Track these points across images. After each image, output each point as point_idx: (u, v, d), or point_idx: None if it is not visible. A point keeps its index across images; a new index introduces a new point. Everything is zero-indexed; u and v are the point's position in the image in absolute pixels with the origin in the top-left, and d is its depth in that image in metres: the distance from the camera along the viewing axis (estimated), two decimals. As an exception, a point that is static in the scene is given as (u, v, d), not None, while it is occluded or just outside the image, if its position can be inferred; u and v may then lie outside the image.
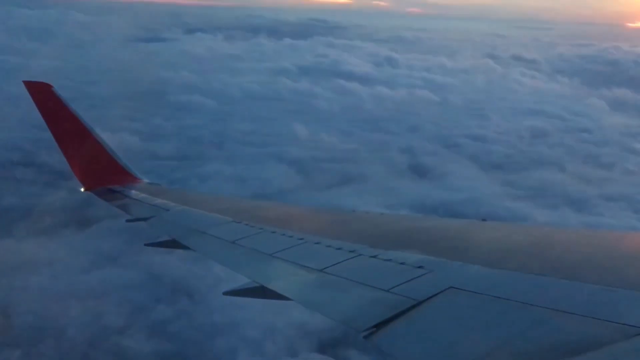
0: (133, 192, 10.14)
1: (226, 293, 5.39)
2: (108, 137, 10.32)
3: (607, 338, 2.78)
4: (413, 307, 3.69)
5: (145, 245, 7.49)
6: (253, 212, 7.88)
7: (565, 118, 56.18)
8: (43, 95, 9.91)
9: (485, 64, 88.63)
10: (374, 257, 4.90)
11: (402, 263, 4.53)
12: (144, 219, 8.36)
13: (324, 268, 4.89)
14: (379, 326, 3.59)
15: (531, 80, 76.99)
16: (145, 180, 10.78)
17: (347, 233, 5.96)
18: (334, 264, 4.92)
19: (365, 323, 3.66)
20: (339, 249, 5.26)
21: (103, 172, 10.30)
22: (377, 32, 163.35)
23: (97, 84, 57.50)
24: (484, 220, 6.17)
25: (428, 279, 4.11)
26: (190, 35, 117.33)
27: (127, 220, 8.71)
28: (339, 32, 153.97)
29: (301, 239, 5.86)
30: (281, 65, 75.71)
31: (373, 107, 57.21)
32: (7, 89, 43.05)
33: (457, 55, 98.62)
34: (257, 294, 5.07)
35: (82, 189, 10.22)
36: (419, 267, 4.35)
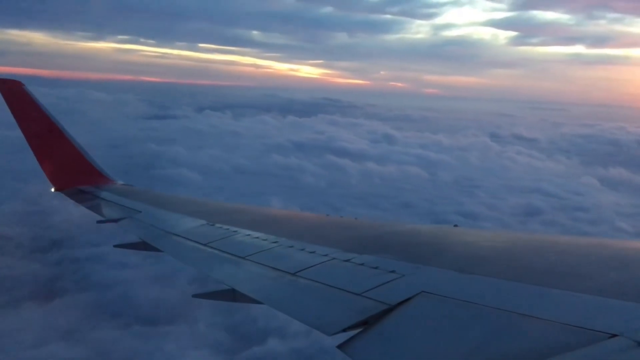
0: (105, 192, 10.02)
1: (196, 296, 5.31)
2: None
3: (575, 343, 2.81)
4: (385, 311, 3.70)
5: (115, 247, 7.33)
6: (228, 215, 7.78)
7: (557, 195, 55.85)
8: (14, 93, 9.77)
9: (482, 142, 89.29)
10: (347, 261, 4.88)
11: (375, 267, 4.53)
12: (115, 220, 8.23)
13: (297, 271, 4.86)
14: (349, 330, 3.59)
15: (527, 159, 77.12)
16: (118, 182, 10.65)
17: (321, 237, 5.92)
18: (307, 268, 4.89)
19: (336, 327, 3.65)
20: (313, 252, 5.24)
21: (74, 172, 10.15)
22: (387, 111, 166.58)
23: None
24: (455, 226, 6.19)
25: (400, 283, 4.10)
26: (199, 113, 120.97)
27: (98, 222, 8.55)
28: (350, 110, 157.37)
29: (275, 242, 5.83)
30: (277, 142, 77.20)
31: (360, 182, 57.55)
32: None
33: (458, 133, 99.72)
34: (227, 297, 4.99)
35: (53, 189, 10.03)
36: (392, 271, 4.36)
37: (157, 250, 6.69)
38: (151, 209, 8.59)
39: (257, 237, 6.09)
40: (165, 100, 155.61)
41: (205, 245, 6.23)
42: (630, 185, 62.63)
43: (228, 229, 6.65)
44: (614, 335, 2.79)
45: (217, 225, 6.90)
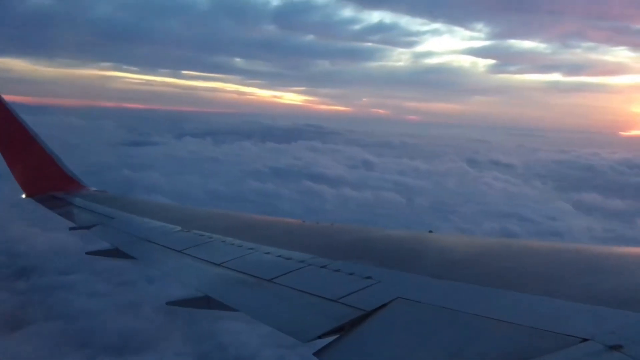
0: (77, 199, 9.86)
1: (170, 303, 5.21)
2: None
3: (547, 348, 2.84)
4: (361, 317, 3.68)
5: (87, 254, 7.14)
6: (203, 221, 7.64)
7: (532, 220, 56.38)
8: None
9: (459, 168, 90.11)
10: (324, 267, 4.85)
11: (351, 273, 4.51)
12: (87, 227, 8.07)
13: (273, 278, 4.80)
14: (325, 336, 3.57)
15: (503, 184, 77.88)
16: (91, 188, 10.43)
17: (297, 243, 5.86)
18: (283, 274, 4.84)
19: (311, 334, 3.63)
20: (289, 258, 5.20)
21: (46, 178, 9.94)
22: (368, 137, 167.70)
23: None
24: (430, 231, 6.23)
25: (376, 289, 4.10)
26: (178, 140, 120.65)
27: (70, 229, 8.36)
28: (331, 137, 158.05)
29: (251, 248, 5.77)
30: (255, 168, 77.17)
31: (336, 208, 57.58)
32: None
33: (436, 159, 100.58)
34: (202, 305, 4.92)
35: (24, 196, 9.81)
36: (368, 277, 4.34)
37: (131, 258, 6.58)
38: (125, 215, 8.42)
39: (233, 244, 6.02)
40: (146, 127, 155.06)
41: (180, 252, 6.15)
42: (602, 210, 63.39)
43: (204, 235, 6.57)
44: (585, 340, 2.82)
45: (193, 231, 6.81)
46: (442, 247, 5.53)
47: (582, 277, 3.94)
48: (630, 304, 3.20)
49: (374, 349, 3.39)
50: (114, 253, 6.87)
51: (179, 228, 7.10)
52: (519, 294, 3.59)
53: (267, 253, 5.53)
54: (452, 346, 3.16)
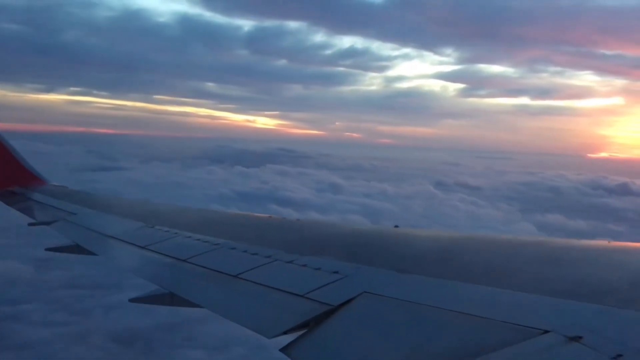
0: (37, 194, 9.52)
1: (133, 300, 5.02)
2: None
3: (510, 339, 2.85)
4: (327, 312, 3.66)
5: (46, 250, 6.92)
6: (167, 217, 7.45)
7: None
8: None
9: (426, 191, 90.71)
10: (290, 262, 4.82)
11: (317, 268, 4.49)
12: (47, 223, 7.80)
13: (239, 274, 4.73)
14: (292, 332, 3.55)
15: (469, 206, 78.51)
16: (52, 182, 10.21)
17: (264, 238, 5.83)
18: (249, 270, 4.77)
19: (277, 329, 3.60)
20: (255, 254, 5.12)
21: (4, 173, 9.67)
22: (339, 161, 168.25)
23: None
24: (396, 226, 6.18)
25: (343, 284, 4.10)
26: (146, 164, 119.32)
27: (30, 224, 8.09)
28: (302, 160, 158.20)
29: (217, 244, 5.65)
30: (221, 192, 76.56)
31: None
32: None
33: (404, 182, 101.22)
34: (165, 301, 4.79)
35: None
36: (334, 272, 4.32)
37: (92, 254, 6.40)
38: (86, 211, 8.19)
39: (199, 239, 5.89)
40: (114, 152, 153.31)
41: (143, 248, 6.00)
42: (565, 230, 64.18)
43: (168, 231, 6.41)
44: (547, 331, 2.88)
45: (157, 227, 6.63)
46: (407, 242, 5.51)
47: (543, 270, 4.02)
48: (590, 295, 3.28)
49: (341, 344, 3.39)
50: (75, 249, 6.70)
51: (142, 224, 6.93)
52: (482, 287, 3.64)
53: (233, 249, 5.44)
54: (417, 339, 3.19)
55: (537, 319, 3.02)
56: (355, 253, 4.90)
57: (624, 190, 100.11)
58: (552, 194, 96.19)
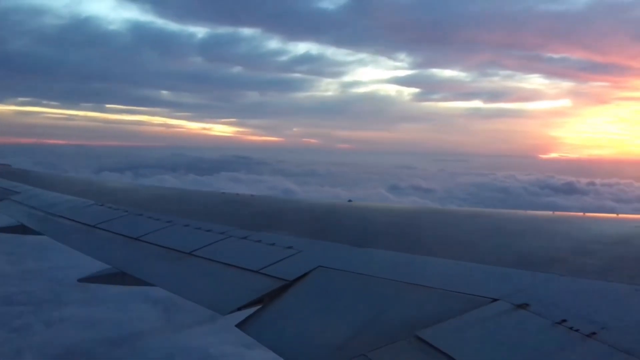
0: None
1: (82, 280, 4.98)
2: None
3: (461, 308, 2.94)
4: (283, 287, 3.67)
5: None
6: (118, 195, 7.28)
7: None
8: None
9: (379, 194, 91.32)
10: (244, 238, 4.74)
11: (272, 244, 4.48)
12: None
13: (193, 251, 4.64)
14: (247, 307, 3.52)
15: (421, 208, 79.22)
16: None
17: (217, 215, 5.75)
18: (203, 246, 4.72)
19: (231, 306, 3.56)
20: (209, 230, 5.03)
21: None
22: (296, 167, 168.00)
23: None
24: (350, 201, 6.19)
25: (297, 259, 4.12)
26: (96, 175, 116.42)
27: None
28: (258, 167, 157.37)
29: (169, 221, 5.53)
30: (170, 200, 75.19)
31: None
32: None
33: (358, 186, 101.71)
34: (116, 281, 4.68)
35: None
36: (289, 247, 4.33)
37: (38, 234, 6.22)
38: (32, 190, 7.92)
39: (150, 217, 5.79)
40: (64, 163, 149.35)
41: (93, 227, 5.85)
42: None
43: (119, 209, 6.26)
44: (495, 300, 2.98)
45: (107, 205, 6.47)
46: (360, 216, 5.59)
47: (491, 240, 4.16)
48: (536, 264, 3.40)
49: (296, 318, 3.40)
50: (20, 229, 6.45)
51: (91, 202, 6.74)
52: (434, 259, 3.72)
53: (186, 225, 5.34)
54: (371, 311, 3.23)
55: (487, 288, 3.13)
56: (310, 228, 4.90)
57: (569, 189, 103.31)
58: (502, 194, 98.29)
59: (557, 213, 5.17)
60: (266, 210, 6.14)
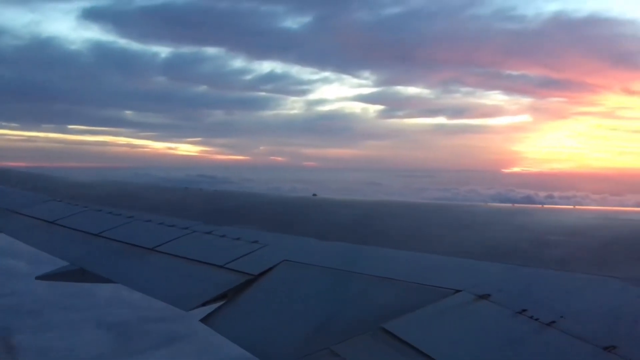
0: None
1: (40, 277, 4.76)
2: None
3: (425, 299, 3.00)
4: (248, 282, 3.70)
5: None
6: (77, 190, 7.14)
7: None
8: None
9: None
10: (209, 233, 4.74)
11: (237, 238, 4.48)
12: None
13: (156, 246, 4.61)
14: (211, 303, 3.52)
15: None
16: None
17: (180, 210, 5.60)
18: (166, 242, 4.66)
19: (194, 302, 3.56)
20: (172, 226, 4.93)
21: None
22: (260, 185, 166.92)
23: None
24: (314, 195, 6.18)
25: (263, 253, 4.15)
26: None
27: None
28: (222, 186, 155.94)
29: (130, 216, 5.37)
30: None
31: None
32: None
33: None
34: (75, 278, 4.63)
35: None
36: (254, 241, 4.34)
37: None
38: None
39: (111, 213, 5.67)
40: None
41: (51, 223, 5.71)
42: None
43: (78, 204, 6.18)
44: (458, 291, 3.05)
45: (66, 201, 6.40)
46: (325, 210, 5.61)
47: (454, 232, 4.29)
48: (496, 256, 3.49)
49: (261, 312, 3.41)
50: None
51: (49, 197, 6.64)
52: (397, 251, 3.81)
53: (148, 221, 5.22)
54: (337, 304, 3.28)
55: (450, 280, 3.19)
56: (275, 222, 4.92)
57: (527, 201, 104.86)
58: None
59: (517, 205, 5.24)
60: (231, 205, 6.10)
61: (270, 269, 3.84)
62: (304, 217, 5.24)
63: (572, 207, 5.29)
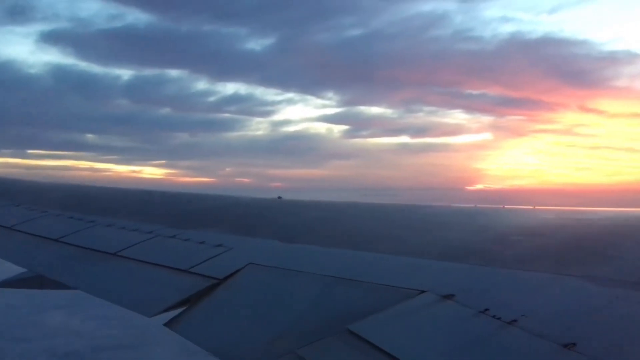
0: None
1: None
2: None
3: (391, 301, 3.03)
4: (213, 286, 3.65)
5: None
6: (35, 194, 6.83)
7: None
8: None
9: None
10: (172, 237, 4.66)
11: (201, 242, 4.41)
12: None
13: (118, 251, 4.52)
14: (176, 308, 3.45)
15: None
16: None
17: (144, 214, 5.62)
18: (128, 246, 4.58)
19: (158, 307, 3.48)
20: (135, 230, 4.90)
21: None
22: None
23: None
24: (279, 197, 6.02)
25: (228, 256, 4.14)
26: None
27: None
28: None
29: (92, 221, 5.35)
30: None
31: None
32: None
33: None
34: (34, 284, 4.53)
35: None
36: (218, 245, 4.30)
37: None
38: None
39: (72, 217, 5.49)
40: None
41: (9, 228, 5.48)
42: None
43: (36, 209, 5.93)
44: (423, 291, 3.08)
45: (23, 206, 6.15)
46: (291, 212, 5.48)
47: (419, 234, 4.28)
48: (461, 256, 3.57)
49: (227, 315, 3.39)
50: None
51: (6, 202, 6.39)
52: (363, 253, 3.87)
53: (110, 225, 5.09)
54: (303, 307, 3.27)
55: (415, 281, 3.22)
56: (240, 225, 4.87)
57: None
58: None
59: (480, 206, 5.30)
60: (195, 208, 6.02)
61: (235, 272, 3.79)
62: (270, 220, 5.16)
63: (532, 207, 5.39)
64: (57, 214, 5.82)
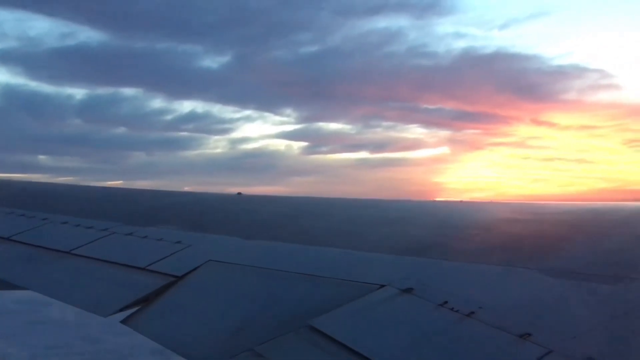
0: None
1: None
2: None
3: (351, 295, 3.04)
4: (172, 283, 3.57)
5: None
6: None
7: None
8: None
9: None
10: (130, 234, 4.59)
11: (159, 239, 4.34)
12: None
13: (72, 249, 4.41)
14: (133, 306, 3.38)
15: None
16: None
17: (100, 211, 5.53)
18: (83, 245, 4.48)
19: (114, 306, 3.40)
20: (90, 227, 4.79)
21: None
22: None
23: None
24: (239, 194, 5.98)
25: (187, 253, 4.06)
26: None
27: None
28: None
29: (45, 218, 5.14)
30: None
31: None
32: None
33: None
34: None
35: None
36: (177, 242, 4.23)
37: None
38: None
39: (23, 215, 5.22)
40: None
41: None
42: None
43: None
44: (382, 286, 3.11)
45: None
46: (250, 208, 5.40)
47: (377, 229, 4.30)
48: (419, 250, 3.57)
49: (186, 312, 3.32)
50: None
51: None
52: (322, 248, 3.89)
53: (64, 223, 4.89)
54: (262, 303, 3.25)
55: (374, 275, 3.25)
56: (199, 222, 4.82)
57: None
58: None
59: (437, 200, 5.41)
60: (153, 205, 5.97)
61: (194, 269, 3.74)
62: (229, 216, 5.07)
63: (489, 200, 5.44)
64: (8, 211, 5.62)
